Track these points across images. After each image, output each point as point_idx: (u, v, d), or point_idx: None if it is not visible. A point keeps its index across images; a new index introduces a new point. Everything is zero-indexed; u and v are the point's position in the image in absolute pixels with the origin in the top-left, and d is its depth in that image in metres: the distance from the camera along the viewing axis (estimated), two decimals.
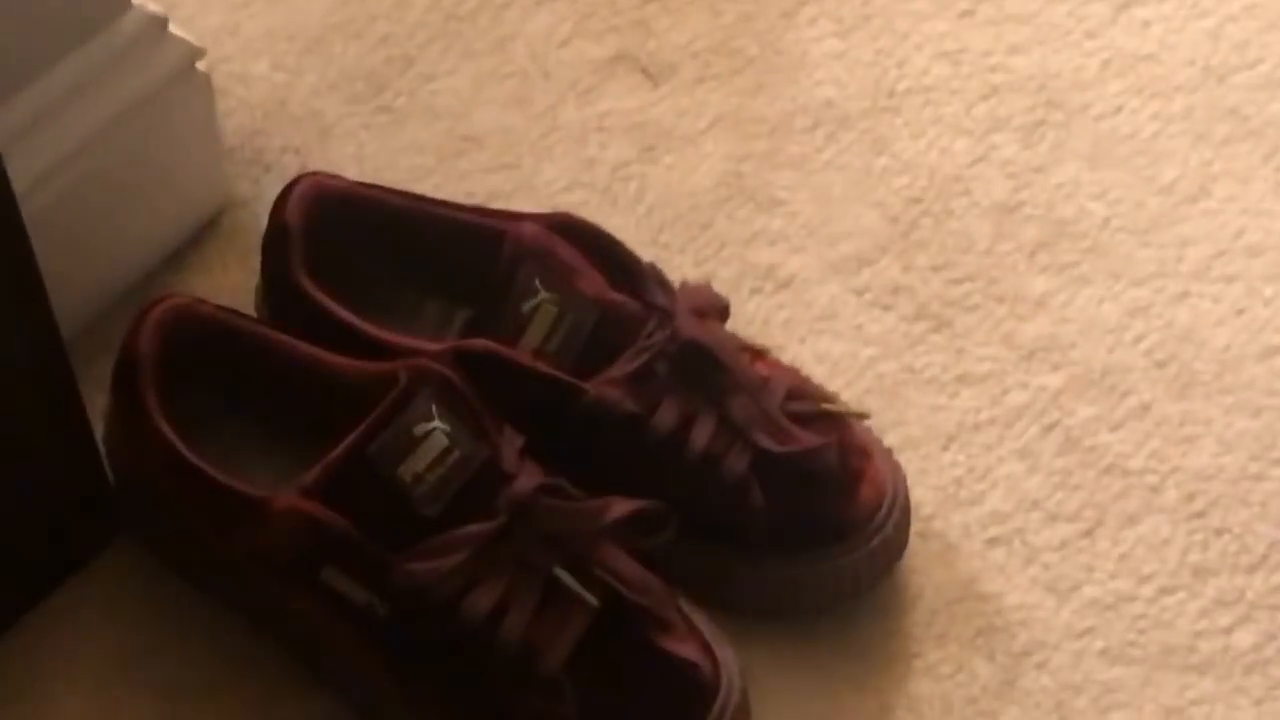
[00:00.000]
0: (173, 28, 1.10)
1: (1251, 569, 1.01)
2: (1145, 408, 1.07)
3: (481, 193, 1.13)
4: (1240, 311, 1.11)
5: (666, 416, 0.98)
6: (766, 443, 0.98)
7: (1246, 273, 1.12)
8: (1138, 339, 1.10)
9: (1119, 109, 1.19)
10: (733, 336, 1.02)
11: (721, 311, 1.03)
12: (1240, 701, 0.97)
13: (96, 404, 1.02)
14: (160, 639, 1.01)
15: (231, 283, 1.10)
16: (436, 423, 0.94)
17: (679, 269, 1.07)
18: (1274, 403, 1.07)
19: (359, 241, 1.05)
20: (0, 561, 0.99)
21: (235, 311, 1.02)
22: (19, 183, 0.91)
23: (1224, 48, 1.21)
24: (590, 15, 1.22)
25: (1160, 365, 1.09)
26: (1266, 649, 0.99)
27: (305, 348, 1.00)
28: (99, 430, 1.02)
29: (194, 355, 1.01)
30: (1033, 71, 1.21)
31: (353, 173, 1.07)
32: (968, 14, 1.22)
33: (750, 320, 1.09)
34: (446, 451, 0.93)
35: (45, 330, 0.96)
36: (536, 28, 1.22)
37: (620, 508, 0.94)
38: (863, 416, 1.03)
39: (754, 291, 1.12)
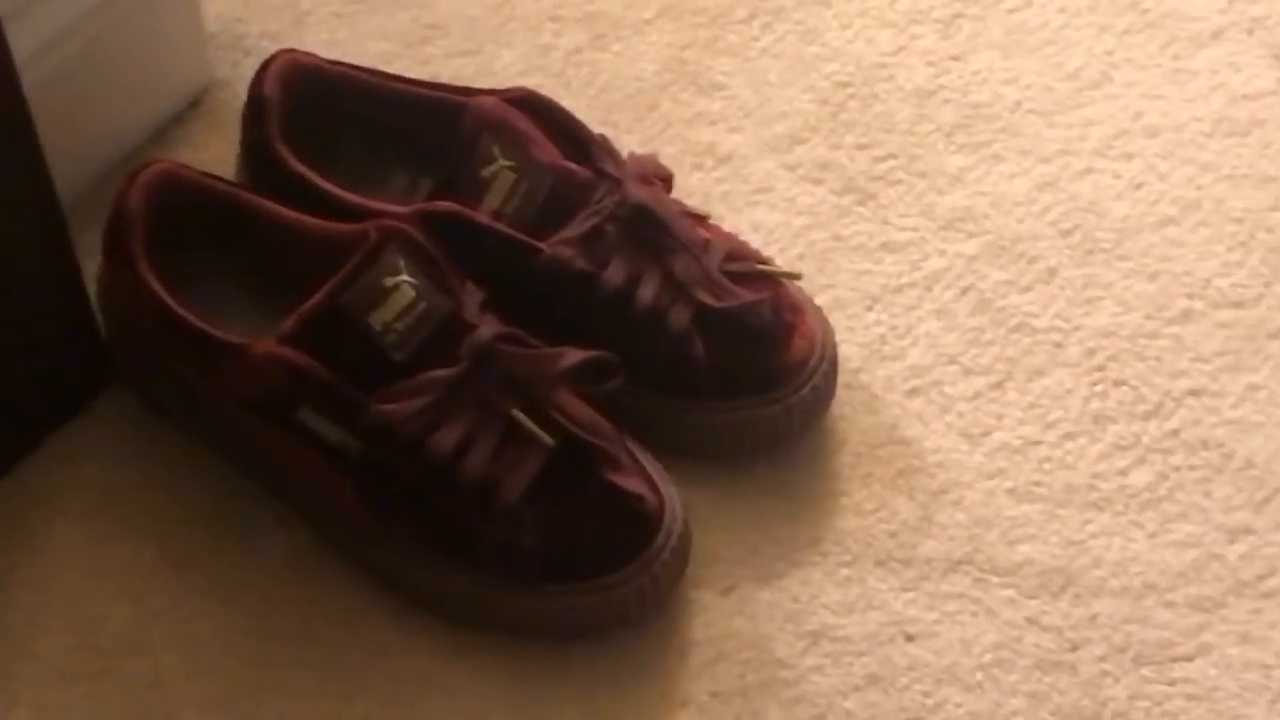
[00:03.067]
0: None
1: (1147, 416, 1.02)
2: (1051, 272, 1.08)
3: (444, 76, 1.12)
4: (1138, 186, 1.11)
5: (615, 274, 0.98)
6: (707, 298, 0.98)
7: (1144, 151, 1.12)
8: (1045, 210, 1.10)
9: (1029, 3, 1.19)
10: (676, 202, 1.02)
11: (666, 180, 1.02)
12: (1135, 535, 0.98)
13: (89, 271, 1.01)
14: (147, 477, 1.01)
15: (213, 156, 1.09)
16: (404, 276, 0.93)
17: (627, 146, 1.05)
18: (1168, 267, 1.08)
19: (331, 114, 1.05)
20: (1, 408, 0.99)
21: (217, 176, 1.02)
22: (16, 59, 0.91)
23: None
24: None
25: (1065, 234, 1.09)
26: (1159, 488, 1.00)
27: (282, 210, 1.00)
28: (92, 291, 1.02)
29: (180, 215, 1.00)
30: None
31: (325, 57, 1.06)
32: None
33: (692, 193, 1.09)
34: (413, 303, 0.93)
35: (44, 194, 0.96)
36: None
37: (573, 356, 0.94)
38: (795, 277, 1.03)
39: (695, 167, 1.12)
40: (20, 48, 0.92)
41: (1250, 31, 1.18)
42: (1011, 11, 1.19)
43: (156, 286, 0.97)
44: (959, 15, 1.19)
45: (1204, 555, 0.97)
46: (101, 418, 1.03)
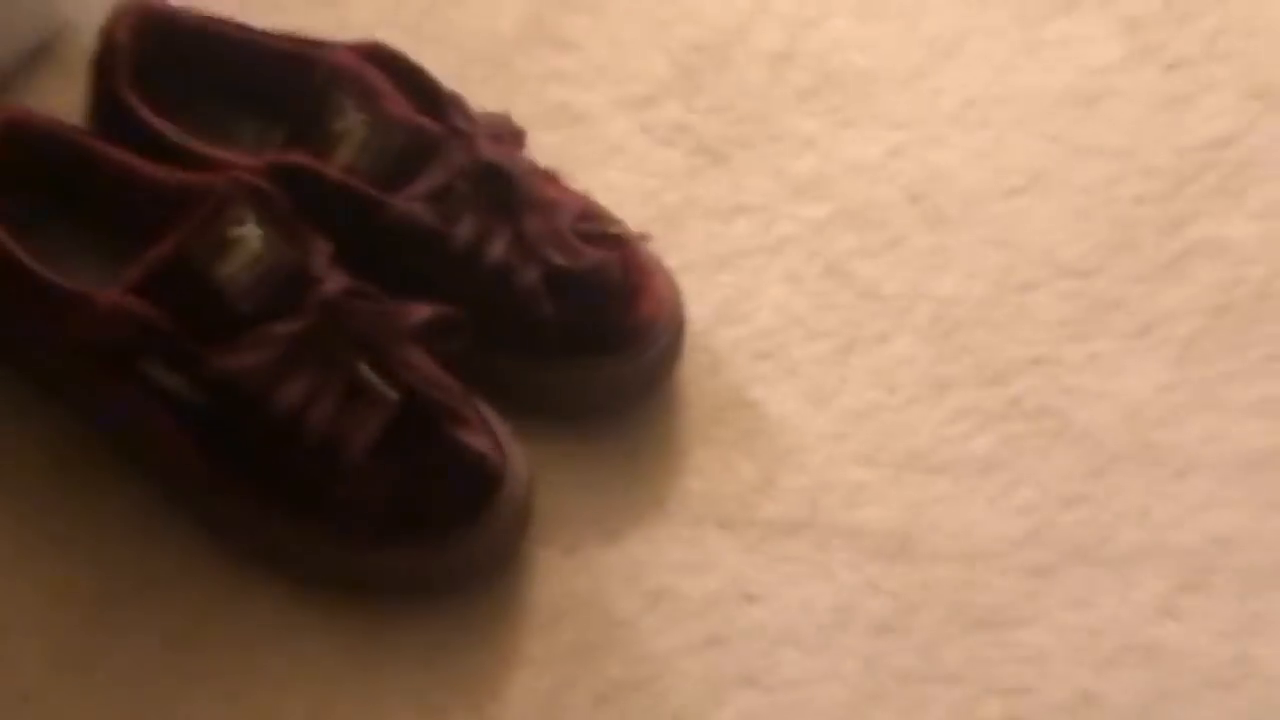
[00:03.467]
0: None
1: (989, 384, 1.03)
2: (900, 239, 1.08)
3: (299, 27, 1.11)
4: (987, 155, 1.12)
5: (464, 231, 0.98)
6: (556, 257, 0.98)
7: (993, 121, 1.13)
8: (894, 177, 1.11)
9: None
10: (528, 160, 1.01)
11: (518, 138, 1.02)
12: (974, 500, 0.99)
13: None
14: None
15: (61, 102, 1.06)
16: (251, 227, 0.93)
17: (481, 103, 1.05)
18: (1013, 237, 1.08)
19: (183, 63, 1.03)
20: None
21: (64, 122, 1.00)
22: None
23: None
24: None
25: (914, 201, 1.10)
26: (1000, 453, 1.00)
27: (130, 158, 0.99)
28: None
29: (24, 162, 0.99)
30: None
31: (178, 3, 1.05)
32: None
33: (545, 152, 1.08)
34: (260, 255, 0.93)
35: None
36: None
37: (420, 312, 0.94)
38: (645, 239, 1.03)
39: (549, 126, 1.11)
40: None
41: (1102, 5, 1.19)
42: None
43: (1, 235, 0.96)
44: None
45: (1040, 522, 0.98)
46: None
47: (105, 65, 1.02)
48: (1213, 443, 1.01)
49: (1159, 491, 1.00)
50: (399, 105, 1.00)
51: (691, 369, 1.03)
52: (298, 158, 0.98)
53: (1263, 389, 1.03)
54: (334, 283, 0.93)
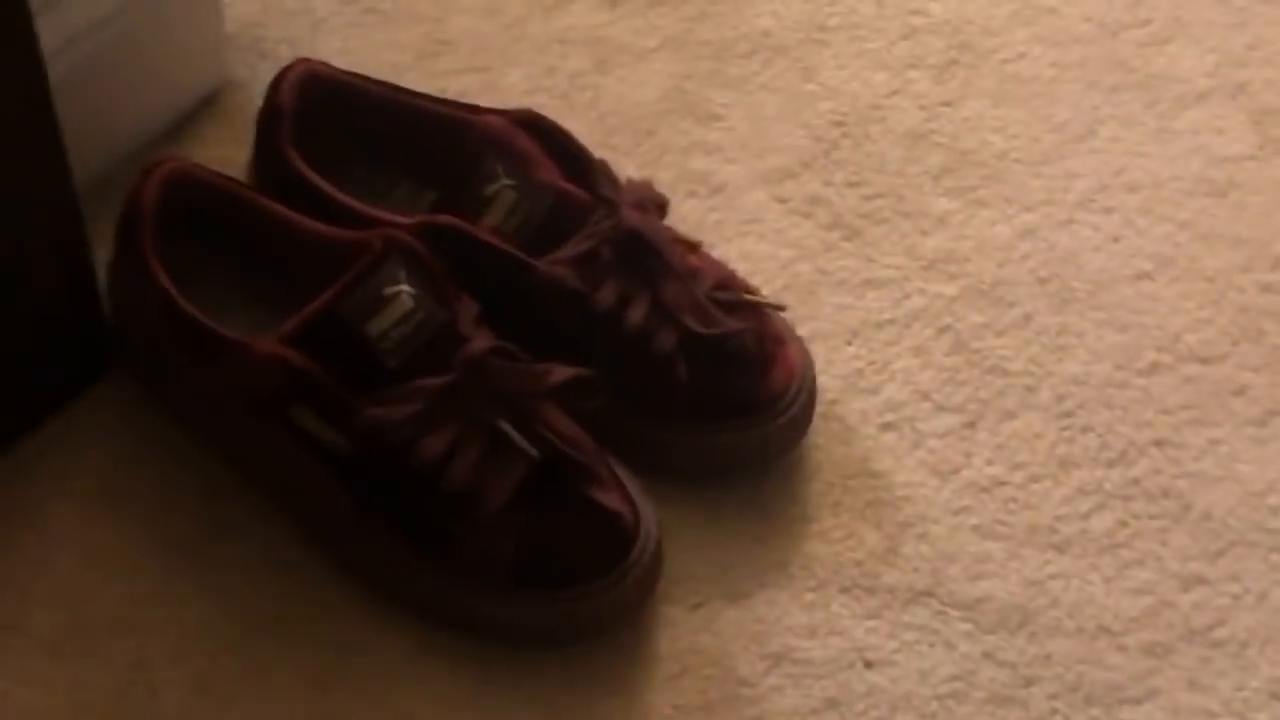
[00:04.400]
0: None
1: (1111, 464, 1.03)
2: (1028, 318, 1.08)
3: (452, 91, 1.13)
4: (1116, 239, 1.12)
5: (607, 296, 0.98)
6: (693, 324, 0.99)
7: (1123, 206, 1.13)
8: (1025, 257, 1.11)
9: (1022, 55, 1.20)
10: (669, 229, 1.02)
11: (661, 207, 1.03)
12: (1093, 578, 0.99)
13: (100, 258, 1.01)
14: (142, 463, 1.01)
15: (224, 155, 1.09)
16: (403, 286, 0.94)
17: (624, 170, 1.06)
18: (1139, 320, 1.08)
19: (342, 124, 1.05)
20: (6, 386, 0.99)
21: (229, 177, 1.02)
22: (44, 50, 0.91)
23: (1118, 6, 1.22)
24: None
25: (1043, 282, 1.10)
26: (1119, 534, 1.00)
27: (289, 213, 1.00)
28: (101, 279, 1.02)
29: (190, 212, 1.00)
30: (948, 16, 1.21)
31: (339, 65, 1.06)
32: None
33: (685, 220, 1.09)
34: (410, 312, 0.93)
35: (60, 180, 0.96)
36: None
37: (560, 373, 0.94)
38: (779, 308, 1.03)
39: (690, 194, 1.12)
40: (48, 40, 0.92)
41: (1233, 96, 1.19)
42: (1005, 62, 1.19)
43: (163, 279, 0.97)
44: (953, 62, 1.19)
45: (1157, 602, 0.98)
46: (102, 401, 1.03)
47: (269, 123, 1.03)
48: None
49: (1277, 577, 0.99)
50: (548, 171, 1.01)
51: (820, 437, 1.03)
52: (449, 219, 0.99)
53: None
54: (479, 341, 0.94)
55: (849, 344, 1.07)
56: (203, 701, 0.93)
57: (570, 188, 1.01)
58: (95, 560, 0.97)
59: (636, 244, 0.99)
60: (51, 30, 0.94)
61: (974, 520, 1.01)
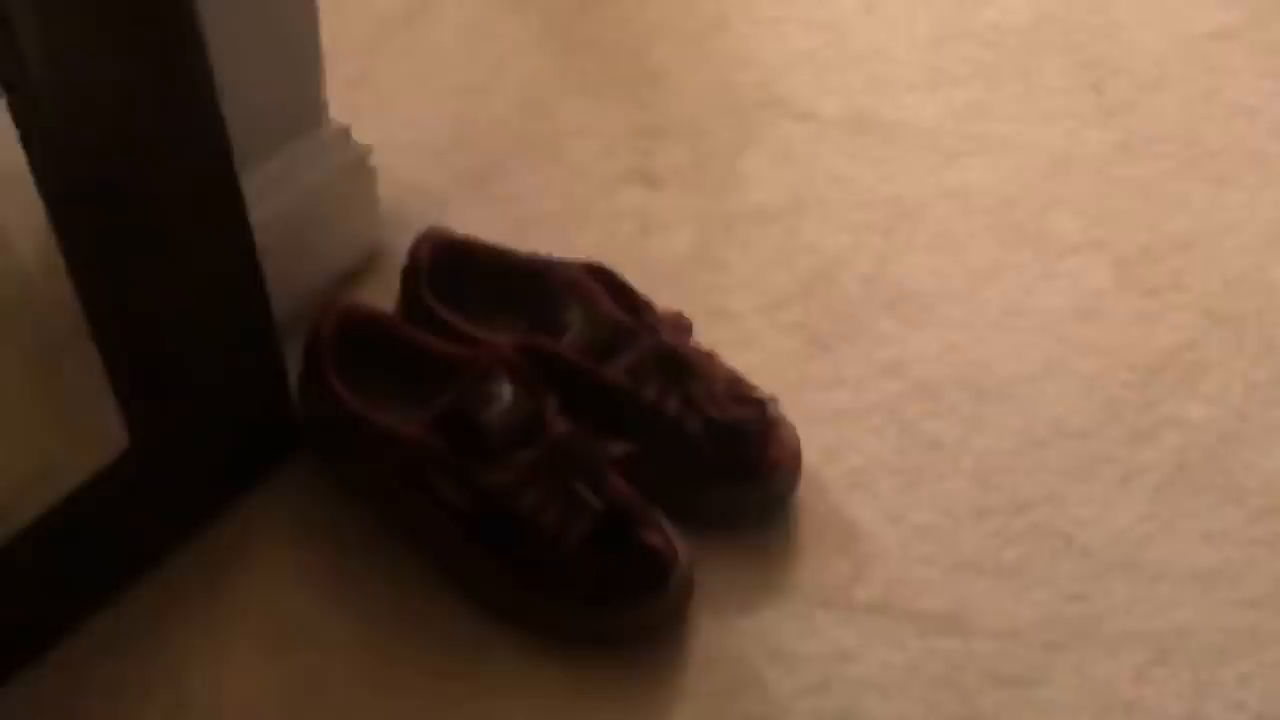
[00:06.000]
0: (354, 135, 1.10)
1: (1016, 512, 1.01)
2: (953, 408, 1.06)
3: (541, 250, 1.13)
4: (1016, 351, 1.09)
5: (649, 393, 0.98)
6: (713, 412, 0.98)
7: (1020, 327, 1.11)
8: (950, 365, 1.09)
9: (944, 219, 1.19)
10: (694, 344, 1.02)
11: (687, 329, 1.02)
12: (1005, 594, 0.97)
13: (291, 368, 1.01)
14: (320, 522, 1.00)
15: (379, 296, 1.09)
16: (505, 386, 0.94)
17: (661, 303, 1.06)
18: (1033, 408, 1.07)
19: (462, 273, 1.05)
20: (222, 468, 0.99)
21: (383, 311, 1.02)
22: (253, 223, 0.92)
23: (1012, 184, 1.20)
24: (614, 148, 1.22)
25: (963, 384, 1.08)
26: (1021, 562, 0.98)
27: (425, 336, 1.00)
28: (292, 384, 1.02)
29: (356, 337, 1.00)
30: (891, 193, 1.20)
31: (458, 232, 1.07)
32: (856, 154, 1.22)
33: (704, 338, 1.07)
34: (510, 406, 0.93)
35: (264, 315, 0.97)
36: (583, 153, 1.21)
37: (617, 447, 0.94)
38: (774, 401, 1.02)
39: (707, 320, 1.09)
40: (258, 213, 0.93)
41: (1098, 248, 1.17)
42: (932, 225, 1.19)
43: (337, 386, 0.98)
44: (894, 228, 1.18)
45: (1052, 612, 0.96)
46: (290, 475, 1.02)
47: (411, 274, 1.03)
48: (1175, 560, 0.99)
49: (1137, 593, 0.98)
50: (607, 305, 1.01)
51: (805, 494, 1.02)
52: (537, 339, 0.99)
53: (1209, 524, 1.01)
54: (560, 426, 0.94)
55: (825, 428, 1.06)
56: (361, 690, 0.92)
57: (623, 317, 1.01)
58: (290, 600, 0.96)
59: (670, 357, 0.99)
60: (259, 210, 0.95)
61: (917, 554, 1.00)
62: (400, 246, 1.08)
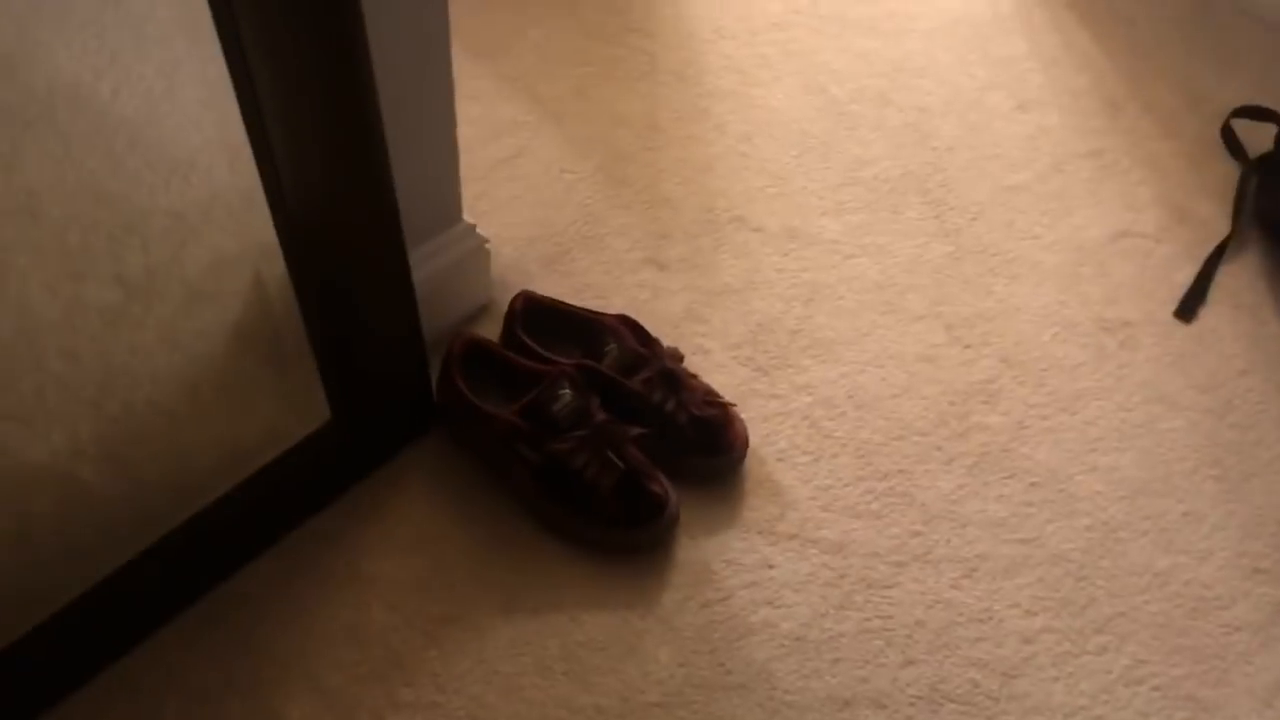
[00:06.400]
0: (477, 229, 1.10)
1: (879, 478, 1.01)
2: (844, 414, 1.06)
3: (591, 306, 1.12)
4: (883, 381, 1.10)
5: (656, 396, 0.98)
6: (695, 411, 0.99)
7: (888, 364, 1.10)
8: (845, 387, 1.07)
9: (855, 277, 1.16)
10: (684, 368, 1.02)
11: (680, 359, 1.02)
12: (870, 528, 0.97)
13: (432, 371, 1.01)
14: (447, 472, 0.99)
15: (489, 331, 1.09)
16: (567, 390, 0.94)
17: (665, 340, 1.06)
18: (893, 415, 1.06)
19: (542, 319, 1.05)
20: (387, 435, 0.98)
21: (492, 341, 1.02)
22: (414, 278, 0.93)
23: (888, 271, 1.19)
24: (638, 245, 1.19)
25: (852, 399, 1.07)
26: (877, 507, 0.99)
27: (518, 358, 1.00)
28: (433, 382, 1.01)
29: (474, 355, 1.00)
30: (807, 279, 1.16)
31: (541, 292, 1.06)
32: (788, 254, 1.20)
33: (690, 364, 1.08)
34: (570, 402, 0.94)
35: (417, 339, 0.97)
36: (618, 247, 1.19)
37: (635, 430, 0.94)
38: (732, 405, 1.03)
39: (692, 354, 1.10)
40: (415, 276, 0.93)
41: (936, 315, 1.15)
42: (836, 297, 1.16)
43: (461, 386, 0.98)
44: (812, 297, 1.16)
45: (903, 534, 0.96)
46: (427, 447, 1.01)
47: (510, 318, 1.03)
48: (978, 513, 0.99)
49: (954, 533, 0.97)
50: (631, 342, 1.01)
51: (750, 464, 1.02)
52: (587, 362, 0.99)
53: (1000, 491, 1.01)
54: (599, 416, 0.94)
55: (763, 424, 1.05)
56: (473, 579, 0.92)
57: (641, 349, 1.01)
58: (422, 557, 0.93)
59: (670, 375, 1.00)
60: (417, 273, 0.95)
61: (819, 504, 1.00)
62: (503, 301, 1.09)
